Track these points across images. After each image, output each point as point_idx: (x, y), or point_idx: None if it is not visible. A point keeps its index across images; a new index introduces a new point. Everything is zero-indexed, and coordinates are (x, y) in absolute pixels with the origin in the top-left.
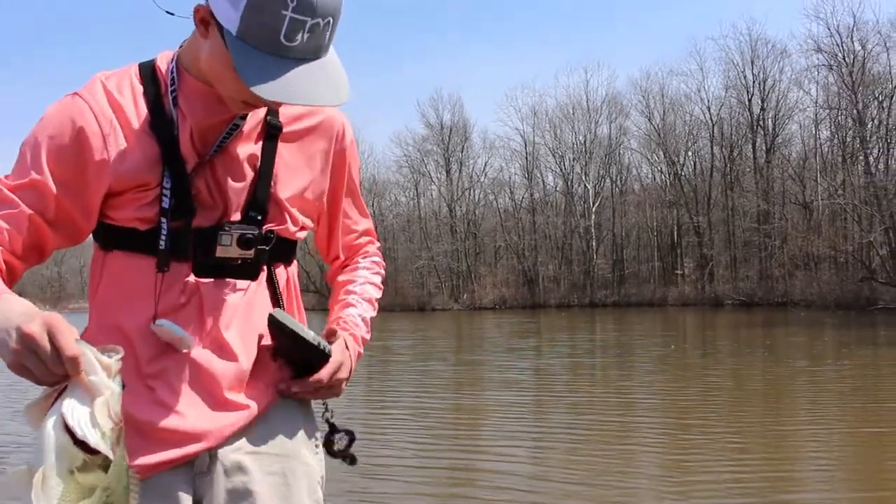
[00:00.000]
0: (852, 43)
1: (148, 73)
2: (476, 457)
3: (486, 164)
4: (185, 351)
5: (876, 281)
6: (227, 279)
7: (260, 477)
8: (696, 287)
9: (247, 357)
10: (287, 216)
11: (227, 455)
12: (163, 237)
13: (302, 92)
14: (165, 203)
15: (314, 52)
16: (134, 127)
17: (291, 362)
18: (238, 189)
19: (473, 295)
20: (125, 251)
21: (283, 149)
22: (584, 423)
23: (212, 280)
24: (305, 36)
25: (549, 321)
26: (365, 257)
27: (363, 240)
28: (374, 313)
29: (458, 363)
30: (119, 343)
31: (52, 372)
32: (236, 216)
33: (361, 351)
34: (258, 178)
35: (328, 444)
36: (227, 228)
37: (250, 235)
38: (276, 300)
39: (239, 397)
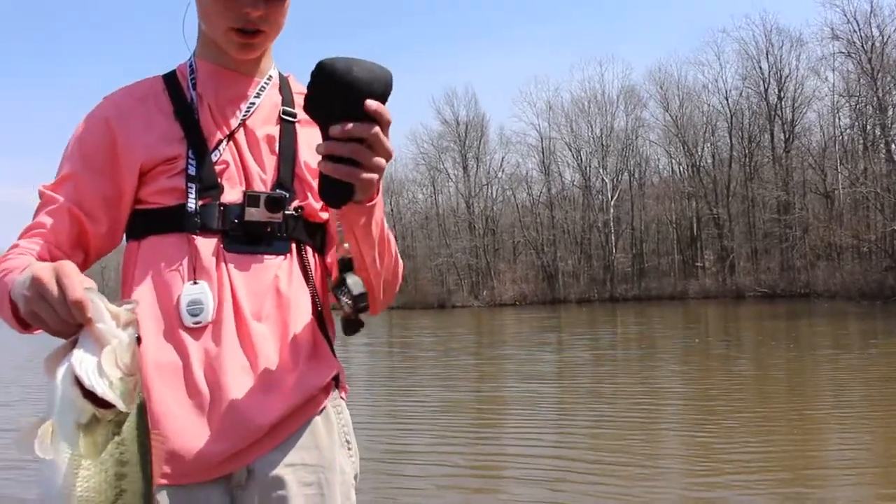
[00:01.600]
0: (870, 29)
1: (169, 76)
2: (502, 444)
3: (502, 160)
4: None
5: None
6: (257, 254)
7: (297, 490)
8: (718, 279)
9: (275, 352)
10: (310, 194)
11: (265, 468)
12: (190, 202)
13: None
14: (192, 170)
15: None
16: (158, 113)
17: (326, 118)
18: (262, 166)
19: (493, 291)
20: (157, 234)
21: (301, 132)
22: (609, 411)
23: (241, 255)
24: None
25: (570, 316)
26: None
27: None
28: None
29: (480, 357)
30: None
31: (62, 319)
32: (258, 190)
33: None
34: (281, 157)
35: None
36: (254, 191)
37: (278, 196)
38: (308, 283)
39: (272, 405)
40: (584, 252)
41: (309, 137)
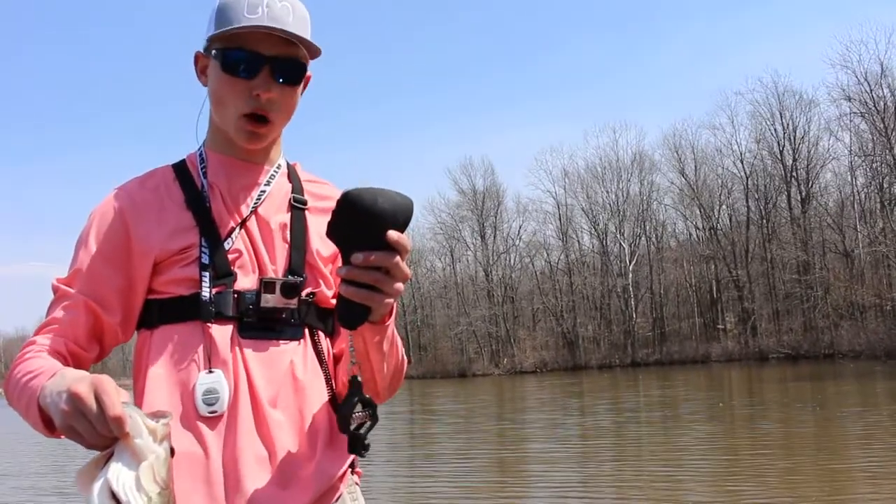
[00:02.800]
0: (881, 89)
1: (179, 165)
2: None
3: (520, 228)
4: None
5: None
6: (272, 340)
7: None
8: (740, 342)
9: (293, 441)
10: (321, 281)
11: None
12: (205, 290)
13: (265, 22)
14: (205, 259)
15: (281, 21)
16: (170, 203)
17: (349, 245)
18: (274, 253)
19: (514, 359)
20: (171, 323)
21: (311, 219)
22: (632, 474)
23: (256, 341)
24: (265, 10)
25: (592, 382)
26: None
27: None
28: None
29: (501, 420)
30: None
31: (100, 433)
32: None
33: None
34: (292, 244)
35: (344, 420)
36: (270, 278)
37: (294, 282)
38: (322, 367)
39: (290, 498)
40: (603, 317)
41: (318, 226)
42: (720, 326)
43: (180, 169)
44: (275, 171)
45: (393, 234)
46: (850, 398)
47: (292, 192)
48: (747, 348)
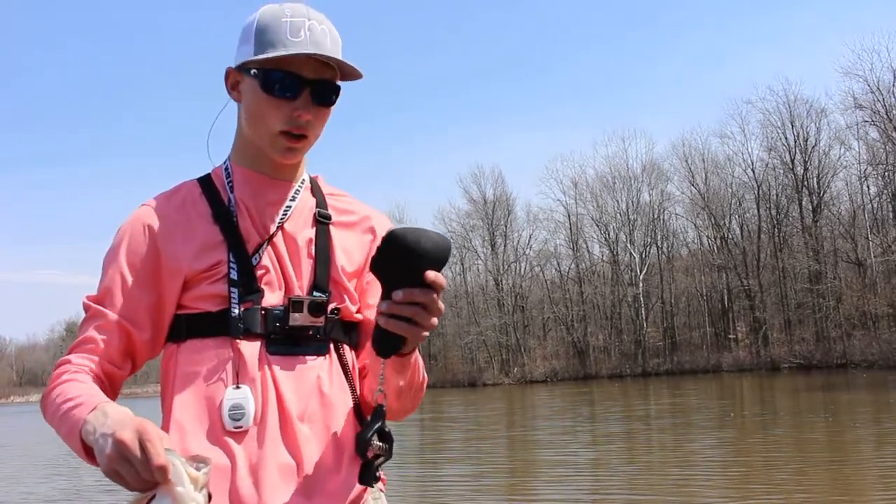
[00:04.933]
0: (893, 98)
1: (205, 179)
2: None
3: (530, 237)
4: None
5: None
6: (299, 355)
7: None
8: (751, 351)
9: (320, 454)
10: (346, 296)
11: None
12: (234, 309)
13: (311, 49)
14: (234, 275)
15: (321, 45)
16: (197, 218)
17: (391, 280)
18: (299, 269)
19: (524, 368)
20: (199, 337)
21: (335, 234)
22: (643, 481)
23: (284, 357)
24: (307, 33)
25: (603, 391)
26: None
27: None
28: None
29: (511, 427)
30: (196, 447)
31: (143, 478)
32: (300, 294)
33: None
34: (317, 259)
35: (362, 445)
36: (298, 297)
37: (321, 301)
38: (348, 380)
39: None
40: (614, 327)
41: (344, 241)
42: (731, 336)
43: (206, 183)
44: (299, 187)
45: (431, 273)
46: (862, 407)
47: (317, 207)
48: (759, 358)
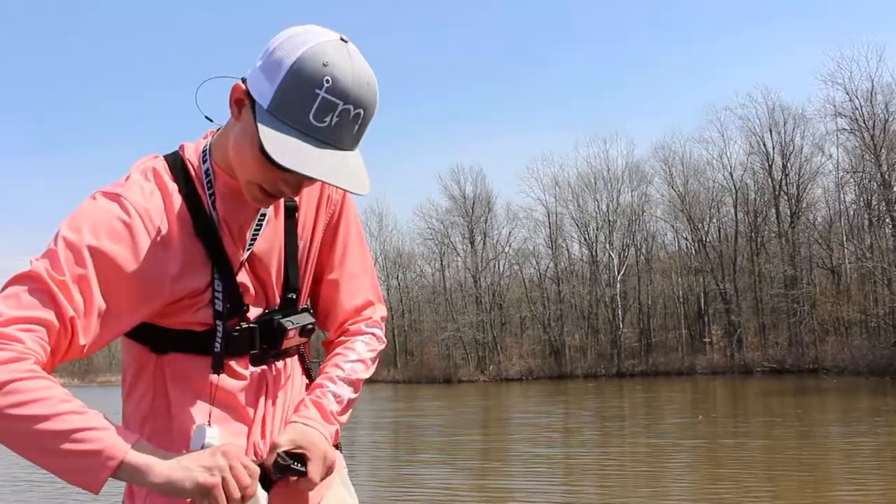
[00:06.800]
0: (871, 107)
1: (178, 168)
2: None
3: (510, 235)
4: None
5: None
6: (273, 363)
7: None
8: (725, 355)
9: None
10: (307, 279)
11: None
12: (218, 340)
13: (319, 169)
14: (219, 306)
15: (339, 139)
16: (178, 231)
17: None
18: (277, 273)
19: (500, 366)
20: (183, 353)
21: (302, 213)
22: (615, 480)
23: (262, 368)
24: (334, 120)
25: (577, 391)
26: (368, 325)
27: (364, 303)
28: (355, 395)
29: (486, 424)
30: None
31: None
32: (276, 301)
33: (337, 422)
34: (287, 256)
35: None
36: (292, 322)
37: (310, 326)
38: (307, 373)
39: None
40: (591, 327)
41: (300, 226)
42: (706, 339)
43: (182, 176)
44: None
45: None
46: (831, 412)
47: (284, 200)
48: (732, 361)
